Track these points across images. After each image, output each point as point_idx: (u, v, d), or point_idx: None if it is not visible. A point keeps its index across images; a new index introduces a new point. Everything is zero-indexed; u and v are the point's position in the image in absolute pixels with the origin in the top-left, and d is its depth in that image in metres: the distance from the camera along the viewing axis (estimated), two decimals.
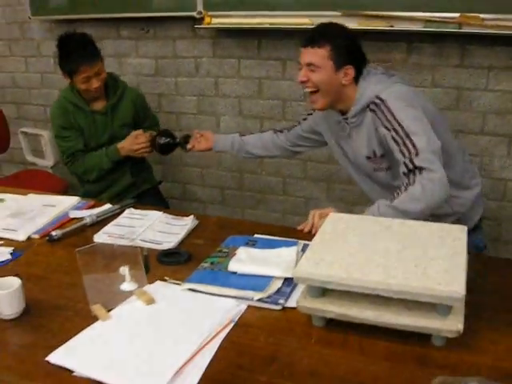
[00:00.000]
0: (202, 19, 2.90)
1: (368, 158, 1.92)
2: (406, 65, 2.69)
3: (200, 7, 2.88)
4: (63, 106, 2.53)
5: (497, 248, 2.81)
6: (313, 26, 1.95)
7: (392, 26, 2.51)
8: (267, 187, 3.28)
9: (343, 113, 1.92)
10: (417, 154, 1.68)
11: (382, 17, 2.50)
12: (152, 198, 2.77)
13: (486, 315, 1.26)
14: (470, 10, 2.34)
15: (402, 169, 1.72)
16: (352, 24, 2.56)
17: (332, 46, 1.80)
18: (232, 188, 3.39)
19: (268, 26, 2.79)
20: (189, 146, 2.35)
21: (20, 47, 3.69)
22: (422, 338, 1.16)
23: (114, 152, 2.51)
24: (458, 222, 1.86)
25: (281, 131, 2.24)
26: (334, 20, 2.56)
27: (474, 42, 2.53)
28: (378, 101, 1.79)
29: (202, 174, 3.46)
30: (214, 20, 2.88)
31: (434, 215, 1.72)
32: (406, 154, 1.70)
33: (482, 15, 2.33)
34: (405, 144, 1.71)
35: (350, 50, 1.83)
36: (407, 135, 1.71)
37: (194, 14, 2.89)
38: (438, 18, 2.40)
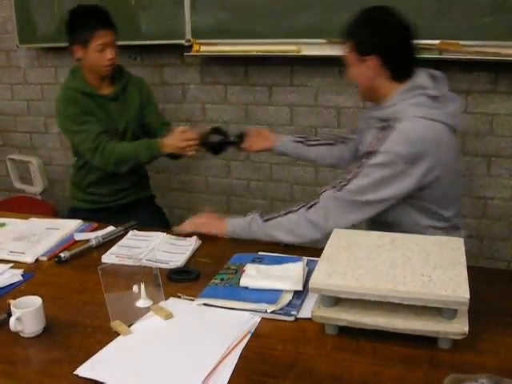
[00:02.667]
0: (190, 47, 3.00)
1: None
2: None
3: (189, 35, 2.98)
4: (70, 96, 2.41)
5: (478, 264, 2.92)
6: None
7: None
8: (254, 210, 3.33)
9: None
10: (335, 192, 1.73)
11: None
12: (148, 208, 2.75)
13: (487, 320, 1.35)
14: (450, 36, 2.49)
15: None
16: (337, 51, 2.69)
17: (353, 38, 1.77)
18: (220, 211, 3.44)
19: (255, 53, 2.90)
20: (244, 146, 2.24)
21: (6, 75, 3.73)
22: (429, 341, 1.25)
23: (157, 146, 2.33)
24: None
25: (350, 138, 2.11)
26: (320, 47, 2.73)
27: (453, 67, 2.67)
28: (388, 123, 1.71)
29: (189, 197, 3.53)
30: (203, 48, 2.98)
31: None
32: (341, 180, 1.74)
33: (461, 42, 2.47)
34: (352, 170, 1.73)
35: (375, 39, 1.73)
36: (361, 166, 1.70)
37: (183, 41, 2.99)
38: (420, 44, 2.53)
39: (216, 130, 2.26)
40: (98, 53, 2.33)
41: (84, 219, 2.16)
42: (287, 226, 1.78)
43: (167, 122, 2.69)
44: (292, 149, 2.19)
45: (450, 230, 1.85)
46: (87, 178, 2.59)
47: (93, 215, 2.40)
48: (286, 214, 1.80)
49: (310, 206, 1.78)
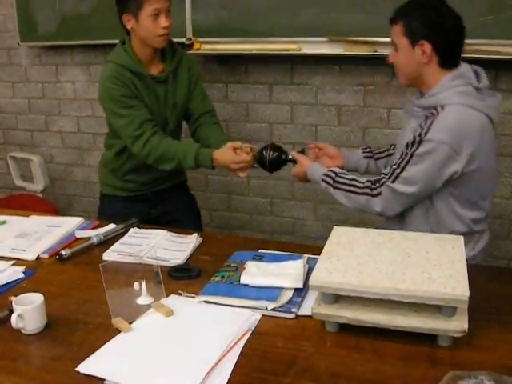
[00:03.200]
0: (191, 45, 3.00)
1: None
2: (389, 87, 2.82)
3: (189, 34, 2.97)
4: (119, 74, 2.16)
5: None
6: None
7: (376, 51, 2.64)
8: (254, 208, 3.35)
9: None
10: (393, 181, 1.75)
11: (367, 42, 2.63)
12: (181, 192, 2.60)
13: (487, 318, 1.36)
14: None
15: (383, 171, 1.83)
16: (338, 49, 2.70)
17: (406, 21, 1.75)
18: (220, 210, 3.46)
19: (255, 51, 2.90)
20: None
21: (7, 73, 3.73)
22: (428, 339, 1.25)
23: (207, 158, 2.13)
24: None
25: None
26: (320, 46, 2.73)
27: None
28: (432, 111, 1.73)
29: None
30: (204, 46, 2.98)
31: None
32: (395, 166, 1.76)
33: None
34: (402, 156, 1.75)
35: (429, 24, 1.72)
36: (411, 155, 1.72)
37: (184, 40, 2.98)
38: None
39: (272, 147, 2.10)
40: (152, 20, 2.09)
41: (122, 208, 2.24)
42: (347, 199, 1.86)
43: (210, 109, 2.45)
44: (363, 166, 2.16)
45: (483, 221, 1.89)
46: (127, 164, 2.37)
47: (129, 204, 2.38)
48: (352, 191, 1.84)
49: (374, 195, 1.80)
